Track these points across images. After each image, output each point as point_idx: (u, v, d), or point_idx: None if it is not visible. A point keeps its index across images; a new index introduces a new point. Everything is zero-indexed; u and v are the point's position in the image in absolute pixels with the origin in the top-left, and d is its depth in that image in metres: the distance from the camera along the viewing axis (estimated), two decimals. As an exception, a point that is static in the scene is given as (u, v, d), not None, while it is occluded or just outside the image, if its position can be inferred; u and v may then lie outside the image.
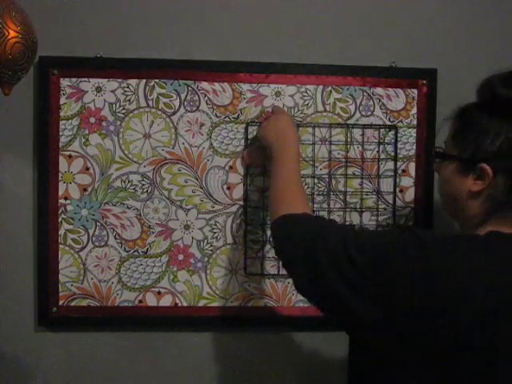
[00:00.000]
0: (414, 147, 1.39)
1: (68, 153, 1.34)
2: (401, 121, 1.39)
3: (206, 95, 1.36)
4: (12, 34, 0.98)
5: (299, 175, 1.19)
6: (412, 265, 0.87)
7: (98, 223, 1.35)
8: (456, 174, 1.00)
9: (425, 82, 1.39)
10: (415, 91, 1.39)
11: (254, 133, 1.36)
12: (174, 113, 1.36)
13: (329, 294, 0.94)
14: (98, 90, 1.34)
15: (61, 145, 1.34)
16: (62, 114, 1.33)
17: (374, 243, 0.93)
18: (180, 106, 1.36)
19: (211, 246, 1.38)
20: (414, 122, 1.39)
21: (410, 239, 0.91)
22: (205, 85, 1.36)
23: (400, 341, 0.87)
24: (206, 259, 1.38)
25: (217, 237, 1.38)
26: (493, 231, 0.93)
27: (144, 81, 1.35)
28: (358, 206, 1.39)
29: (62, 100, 1.33)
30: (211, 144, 1.36)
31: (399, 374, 0.90)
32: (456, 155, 1.00)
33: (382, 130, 1.39)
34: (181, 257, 1.37)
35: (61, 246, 1.35)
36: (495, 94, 0.96)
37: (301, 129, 1.37)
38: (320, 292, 0.97)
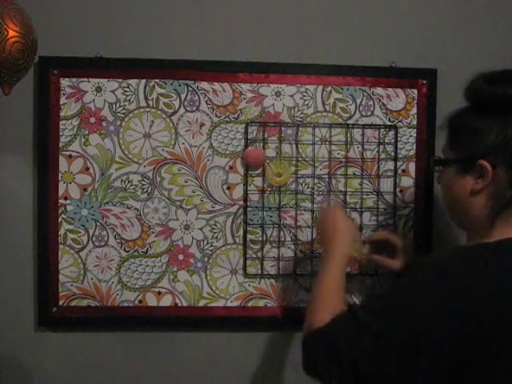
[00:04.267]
0: (414, 147, 1.39)
1: (68, 153, 1.34)
2: (401, 121, 1.39)
3: (205, 95, 1.36)
4: (11, 33, 0.99)
5: (342, 279, 1.13)
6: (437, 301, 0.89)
7: (97, 223, 1.35)
8: (456, 176, 1.00)
9: (425, 82, 1.39)
10: (415, 91, 1.39)
11: (254, 133, 1.36)
12: (174, 113, 1.36)
13: None
14: (98, 90, 1.34)
15: (61, 145, 1.34)
16: (62, 113, 1.33)
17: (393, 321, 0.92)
18: (180, 106, 1.36)
19: (211, 246, 1.38)
20: (414, 122, 1.39)
21: (428, 277, 0.91)
22: (205, 85, 1.36)
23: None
24: (206, 259, 1.38)
25: (217, 237, 1.38)
26: (503, 239, 0.93)
27: (144, 81, 1.35)
28: (357, 206, 1.39)
29: (62, 100, 1.33)
30: (211, 144, 1.36)
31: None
32: (454, 158, 1.01)
33: (382, 130, 1.39)
34: (181, 257, 1.37)
35: (61, 246, 1.35)
36: (480, 92, 0.98)
37: (301, 129, 1.37)
38: None
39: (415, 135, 1.39)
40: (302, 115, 1.38)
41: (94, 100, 1.34)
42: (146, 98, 1.35)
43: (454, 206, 1.04)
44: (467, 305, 0.86)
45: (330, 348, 0.96)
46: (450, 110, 1.33)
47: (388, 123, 1.39)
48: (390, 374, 0.91)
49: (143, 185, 1.36)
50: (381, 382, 0.93)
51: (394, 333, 0.90)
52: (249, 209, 1.38)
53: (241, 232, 1.38)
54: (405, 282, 0.94)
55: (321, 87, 1.38)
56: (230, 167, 1.37)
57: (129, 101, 1.35)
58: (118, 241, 1.36)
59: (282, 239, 1.38)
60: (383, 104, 1.39)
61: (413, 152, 1.40)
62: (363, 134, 1.39)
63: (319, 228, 1.29)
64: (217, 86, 1.36)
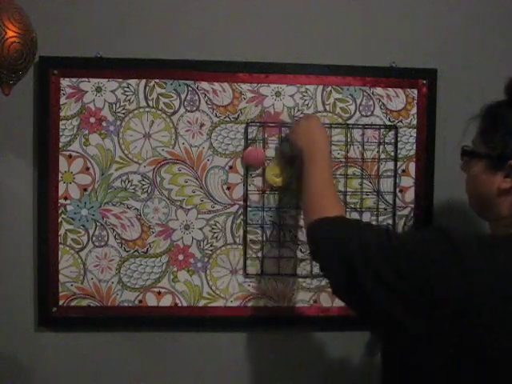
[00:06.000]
0: (414, 147, 1.39)
1: (68, 153, 1.34)
2: (401, 121, 1.39)
3: (206, 95, 1.36)
4: (10, 33, 0.98)
5: (331, 177, 1.17)
6: (447, 268, 0.86)
7: (97, 223, 1.35)
8: (485, 171, 0.99)
9: (425, 82, 1.39)
10: (415, 91, 1.39)
11: (254, 133, 1.36)
12: (174, 113, 1.36)
13: (366, 298, 0.92)
14: (98, 90, 1.34)
15: (61, 145, 1.34)
16: (62, 114, 1.33)
17: (411, 247, 0.91)
18: (180, 106, 1.36)
19: (211, 246, 1.38)
20: (414, 122, 1.39)
21: (444, 242, 0.89)
22: (205, 85, 1.36)
23: (436, 343, 0.86)
24: (206, 259, 1.38)
25: (217, 237, 1.38)
26: None
27: (144, 81, 1.35)
28: (357, 206, 1.39)
29: (62, 100, 1.33)
30: (211, 144, 1.36)
31: (435, 373, 0.89)
32: (485, 153, 0.99)
33: (382, 130, 1.39)
34: (181, 257, 1.37)
35: (61, 246, 1.35)
36: None
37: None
38: (357, 296, 0.95)
39: (415, 135, 1.39)
40: (302, 115, 1.37)
41: (93, 100, 1.34)
42: (146, 98, 1.35)
43: (479, 199, 1.03)
44: (471, 291, 0.85)
45: (344, 240, 0.97)
46: (450, 110, 1.33)
47: (388, 123, 1.39)
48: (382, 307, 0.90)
49: (143, 185, 1.36)
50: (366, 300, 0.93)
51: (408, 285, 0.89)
52: (249, 209, 1.38)
53: (241, 232, 1.38)
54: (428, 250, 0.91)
55: (321, 87, 1.38)
56: (230, 167, 1.37)
57: (129, 101, 1.35)
58: (118, 241, 1.36)
59: (282, 239, 1.38)
60: (383, 104, 1.39)
61: (413, 152, 1.39)
62: (363, 134, 1.38)
63: (294, 135, 1.28)
64: (217, 86, 1.36)
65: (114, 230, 1.36)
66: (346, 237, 0.97)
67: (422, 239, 0.92)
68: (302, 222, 1.38)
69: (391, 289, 0.89)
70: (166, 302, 1.37)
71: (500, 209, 0.98)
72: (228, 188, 1.37)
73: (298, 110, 1.37)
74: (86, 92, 1.34)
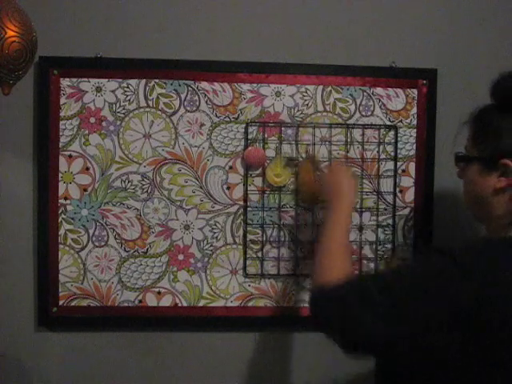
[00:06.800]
0: (414, 147, 1.39)
1: (68, 153, 1.34)
2: (401, 121, 1.39)
3: (206, 95, 1.36)
4: (10, 33, 0.99)
5: (348, 233, 1.16)
6: (460, 296, 0.87)
7: (97, 223, 1.35)
8: (479, 174, 1.00)
9: (425, 82, 1.39)
10: (415, 91, 1.39)
11: (254, 133, 1.36)
12: (174, 113, 1.36)
13: (382, 348, 0.93)
14: (98, 90, 1.34)
15: (61, 145, 1.34)
16: (62, 114, 1.33)
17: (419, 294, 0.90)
18: (180, 106, 1.36)
19: (211, 246, 1.38)
20: (414, 122, 1.39)
21: (452, 270, 0.89)
22: (205, 85, 1.36)
23: (434, 344, 0.88)
24: (206, 259, 1.38)
25: (217, 237, 1.38)
26: None
27: (144, 81, 1.35)
28: (357, 206, 1.39)
29: (62, 100, 1.33)
30: (211, 144, 1.36)
31: (432, 372, 0.91)
32: (477, 156, 1.01)
33: (382, 130, 1.39)
34: (181, 257, 1.37)
35: (61, 246, 1.35)
36: (508, 91, 0.97)
37: (301, 129, 1.37)
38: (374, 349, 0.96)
39: (415, 135, 1.39)
40: (301, 115, 1.38)
41: (93, 100, 1.34)
42: (146, 98, 1.35)
43: (476, 201, 1.03)
44: (480, 295, 0.86)
45: (339, 311, 0.96)
46: (450, 110, 1.33)
47: (388, 123, 1.39)
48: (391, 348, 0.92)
49: (143, 185, 1.36)
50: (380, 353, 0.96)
51: (404, 314, 0.90)
52: (249, 209, 1.38)
53: (241, 232, 1.38)
54: (419, 266, 0.94)
55: (321, 87, 1.38)
56: (230, 167, 1.37)
57: (129, 101, 1.35)
58: (118, 241, 1.36)
59: (282, 239, 1.38)
60: (383, 104, 1.39)
61: (413, 152, 1.39)
62: (363, 134, 1.38)
63: (326, 182, 1.26)
64: (217, 86, 1.36)
65: (113, 230, 1.36)
66: (352, 312, 0.95)
67: (427, 277, 0.91)
68: (301, 222, 1.38)
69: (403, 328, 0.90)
70: (166, 302, 1.37)
71: (496, 208, 0.99)
72: (228, 188, 1.37)
73: (298, 110, 1.37)
74: (86, 92, 1.34)
